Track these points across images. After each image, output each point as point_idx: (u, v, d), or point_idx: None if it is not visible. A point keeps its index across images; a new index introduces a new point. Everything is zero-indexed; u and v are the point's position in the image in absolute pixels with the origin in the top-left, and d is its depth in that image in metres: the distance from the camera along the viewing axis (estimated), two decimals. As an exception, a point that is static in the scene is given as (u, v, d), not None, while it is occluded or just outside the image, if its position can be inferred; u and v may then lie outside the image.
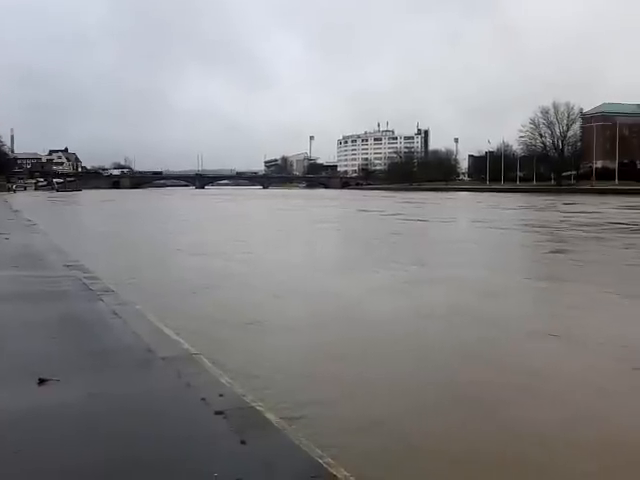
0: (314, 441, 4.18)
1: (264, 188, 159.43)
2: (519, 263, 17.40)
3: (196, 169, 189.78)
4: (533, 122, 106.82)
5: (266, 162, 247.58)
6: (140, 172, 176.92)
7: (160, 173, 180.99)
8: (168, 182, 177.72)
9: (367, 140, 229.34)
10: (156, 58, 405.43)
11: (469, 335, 8.37)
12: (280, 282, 12.98)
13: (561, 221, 32.29)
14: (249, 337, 8.26)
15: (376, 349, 7.76)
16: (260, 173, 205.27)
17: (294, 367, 6.99)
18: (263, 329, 8.77)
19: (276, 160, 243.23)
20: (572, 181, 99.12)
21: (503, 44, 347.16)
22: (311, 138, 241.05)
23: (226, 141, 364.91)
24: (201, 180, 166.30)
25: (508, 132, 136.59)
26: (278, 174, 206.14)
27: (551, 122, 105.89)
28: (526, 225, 30.55)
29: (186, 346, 6.57)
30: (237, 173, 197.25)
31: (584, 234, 24.55)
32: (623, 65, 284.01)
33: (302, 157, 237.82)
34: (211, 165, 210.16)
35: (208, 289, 12.09)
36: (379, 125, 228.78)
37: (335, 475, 3.63)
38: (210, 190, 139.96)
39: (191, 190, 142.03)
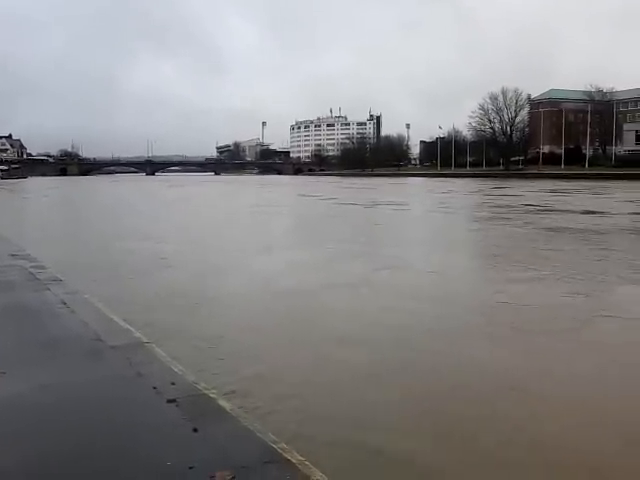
0: (268, 427, 4.18)
1: (216, 174, 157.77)
2: (417, 236, 20.57)
3: (147, 155, 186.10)
4: (482, 108, 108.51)
5: (218, 148, 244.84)
6: (88, 159, 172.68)
7: (109, 160, 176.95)
8: (118, 169, 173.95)
9: (320, 126, 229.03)
10: (106, 43, 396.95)
11: (367, 303, 9.27)
12: (217, 263, 13.69)
13: (482, 203, 35.16)
14: (197, 322, 8.24)
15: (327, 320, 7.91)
16: (212, 159, 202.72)
17: (246, 352, 6.95)
18: (207, 311, 8.88)
19: (228, 146, 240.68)
20: (520, 166, 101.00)
21: (460, 32, 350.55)
22: (263, 124, 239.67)
23: (178, 127, 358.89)
24: (152, 166, 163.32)
25: (462, 118, 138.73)
26: (230, 160, 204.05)
27: (500, 108, 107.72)
28: (448, 207, 33.03)
29: (137, 334, 6.47)
30: (189, 159, 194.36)
31: (492, 215, 26.88)
32: (572, 52, 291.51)
33: (255, 143, 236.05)
34: (162, 152, 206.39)
35: (154, 274, 12.07)
36: (331, 111, 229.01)
37: (289, 459, 3.63)
38: (160, 177, 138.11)
39: (141, 177, 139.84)
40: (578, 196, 39.91)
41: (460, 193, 47.87)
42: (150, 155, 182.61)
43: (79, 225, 25.87)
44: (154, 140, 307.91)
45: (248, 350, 6.97)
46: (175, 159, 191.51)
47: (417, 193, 50.91)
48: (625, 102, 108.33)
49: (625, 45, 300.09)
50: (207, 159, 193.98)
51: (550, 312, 8.67)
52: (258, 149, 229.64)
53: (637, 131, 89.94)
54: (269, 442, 3.86)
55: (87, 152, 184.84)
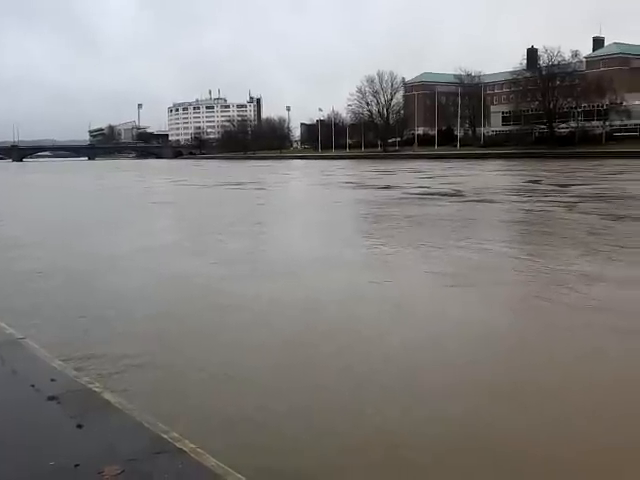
0: (157, 417, 4.07)
1: (90, 159, 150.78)
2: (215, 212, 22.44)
3: (12, 140, 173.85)
4: (360, 91, 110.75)
5: (91, 132, 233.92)
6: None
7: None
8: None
9: (199, 108, 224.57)
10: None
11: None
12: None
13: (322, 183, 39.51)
14: (71, 312, 7.85)
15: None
16: (86, 144, 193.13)
17: (128, 343, 6.71)
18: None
19: (102, 129, 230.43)
20: (397, 147, 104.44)
21: (344, 12, 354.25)
22: (139, 106, 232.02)
23: (49, 110, 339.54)
24: (19, 152, 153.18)
25: (344, 100, 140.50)
26: (105, 144, 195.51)
27: (376, 91, 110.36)
28: (275, 182, 37.69)
29: (9, 330, 6.07)
30: (61, 144, 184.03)
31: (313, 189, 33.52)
32: (451, 35, 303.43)
33: (131, 126, 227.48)
34: (32, 136, 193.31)
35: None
36: (210, 93, 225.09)
37: (181, 448, 3.56)
38: (28, 163, 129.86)
39: (6, 164, 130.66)
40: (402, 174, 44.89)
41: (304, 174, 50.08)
42: (16, 140, 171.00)
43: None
44: (20, 123, 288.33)
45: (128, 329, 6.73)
46: (45, 144, 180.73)
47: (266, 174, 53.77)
48: (492, 85, 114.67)
49: (499, 29, 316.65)
50: (78, 144, 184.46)
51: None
52: (134, 132, 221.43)
53: (503, 112, 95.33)
54: (159, 432, 3.76)
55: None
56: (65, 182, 52.54)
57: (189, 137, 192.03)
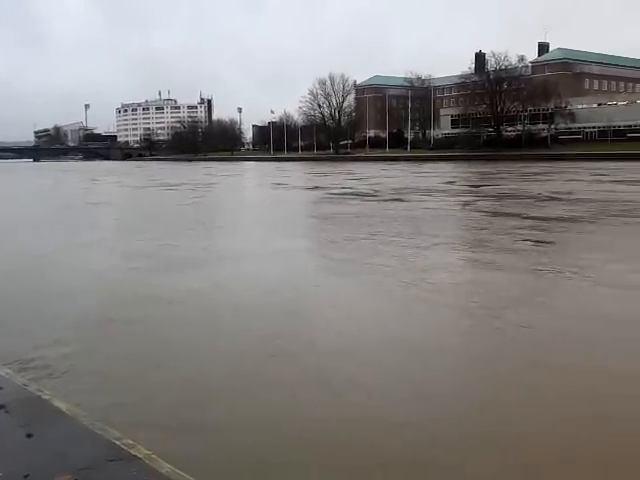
0: (110, 424, 4.00)
1: (35, 161, 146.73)
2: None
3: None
4: (312, 93, 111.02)
5: (36, 132, 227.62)
6: None
7: None
8: None
9: (149, 109, 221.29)
10: None
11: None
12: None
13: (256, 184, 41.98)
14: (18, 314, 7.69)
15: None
16: (30, 145, 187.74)
17: (78, 345, 6.57)
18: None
19: (48, 130, 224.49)
20: (349, 149, 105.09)
21: (300, 16, 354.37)
22: (87, 107, 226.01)
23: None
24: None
25: (296, 102, 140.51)
26: (50, 146, 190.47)
27: (328, 93, 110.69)
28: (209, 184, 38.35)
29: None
30: (2, 145, 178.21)
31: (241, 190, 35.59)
32: (405, 38, 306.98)
33: (78, 127, 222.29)
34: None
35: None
36: (160, 94, 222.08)
37: (135, 455, 3.51)
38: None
39: None
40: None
41: (237, 174, 50.03)
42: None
43: None
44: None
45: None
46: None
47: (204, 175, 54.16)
48: (442, 89, 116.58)
49: (450, 34, 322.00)
50: (20, 144, 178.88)
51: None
52: (81, 133, 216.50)
53: (452, 116, 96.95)
54: (112, 439, 3.70)
55: None
56: None
57: (138, 138, 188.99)
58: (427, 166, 58.47)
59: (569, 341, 6.48)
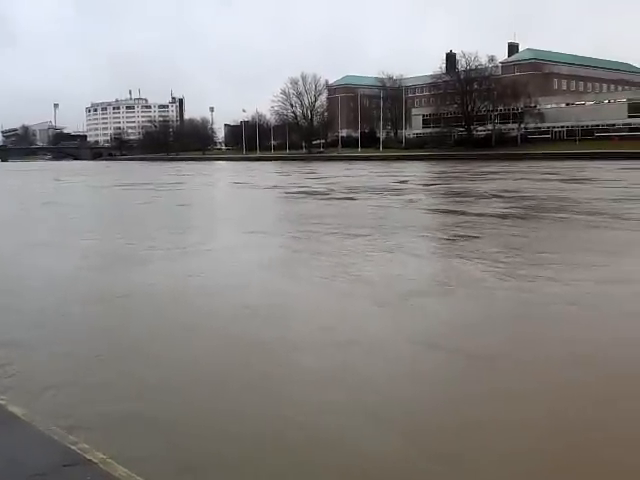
0: (66, 429, 3.99)
1: (3, 161, 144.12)
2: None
3: None
4: (284, 92, 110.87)
5: (4, 132, 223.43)
6: None
7: None
8: None
9: (119, 108, 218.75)
10: None
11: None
12: None
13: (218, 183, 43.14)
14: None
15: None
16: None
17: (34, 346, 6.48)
18: None
19: (16, 130, 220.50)
20: (321, 149, 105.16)
21: (273, 15, 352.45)
22: (56, 105, 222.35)
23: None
24: None
25: (268, 102, 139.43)
26: (19, 146, 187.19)
27: (300, 93, 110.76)
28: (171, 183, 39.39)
29: None
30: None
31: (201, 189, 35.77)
32: (374, 39, 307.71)
33: (47, 126, 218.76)
34: None
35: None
36: (131, 92, 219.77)
37: (90, 459, 3.51)
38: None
39: None
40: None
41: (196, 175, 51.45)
42: None
43: None
44: None
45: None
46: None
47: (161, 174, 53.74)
48: (413, 88, 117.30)
49: (422, 34, 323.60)
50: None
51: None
52: (50, 133, 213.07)
53: (424, 115, 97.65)
54: (68, 444, 3.70)
55: None
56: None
57: (109, 138, 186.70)
58: (395, 165, 59.05)
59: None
